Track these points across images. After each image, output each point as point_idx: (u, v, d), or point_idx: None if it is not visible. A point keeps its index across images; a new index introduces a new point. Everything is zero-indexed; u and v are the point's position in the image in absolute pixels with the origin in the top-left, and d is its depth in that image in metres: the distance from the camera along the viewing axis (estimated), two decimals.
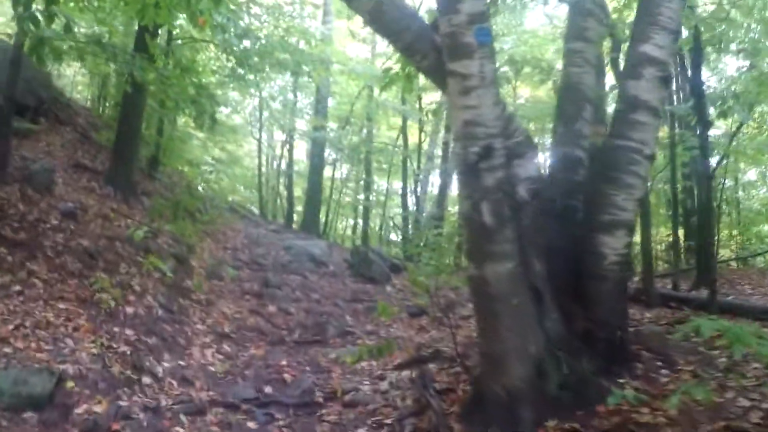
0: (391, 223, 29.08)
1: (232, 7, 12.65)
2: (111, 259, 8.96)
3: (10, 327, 6.19)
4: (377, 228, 30.23)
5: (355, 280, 13.95)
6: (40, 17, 6.54)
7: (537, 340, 5.25)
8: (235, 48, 13.83)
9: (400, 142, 26.50)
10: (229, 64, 15.89)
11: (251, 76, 16.08)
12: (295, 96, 26.61)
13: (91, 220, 10.35)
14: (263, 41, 15.11)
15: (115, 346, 6.79)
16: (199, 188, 20.12)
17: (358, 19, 25.87)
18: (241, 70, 15.58)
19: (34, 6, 6.59)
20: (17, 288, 7.04)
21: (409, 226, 23.86)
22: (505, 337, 5.29)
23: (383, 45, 25.77)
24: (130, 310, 7.79)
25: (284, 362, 8.08)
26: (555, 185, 6.52)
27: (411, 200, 26.29)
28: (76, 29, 9.56)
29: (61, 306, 7.08)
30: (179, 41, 15.15)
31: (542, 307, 5.46)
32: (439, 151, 26.57)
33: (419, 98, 24.06)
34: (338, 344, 9.11)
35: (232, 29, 12.69)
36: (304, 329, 9.81)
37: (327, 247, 17.44)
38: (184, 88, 10.42)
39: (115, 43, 11.94)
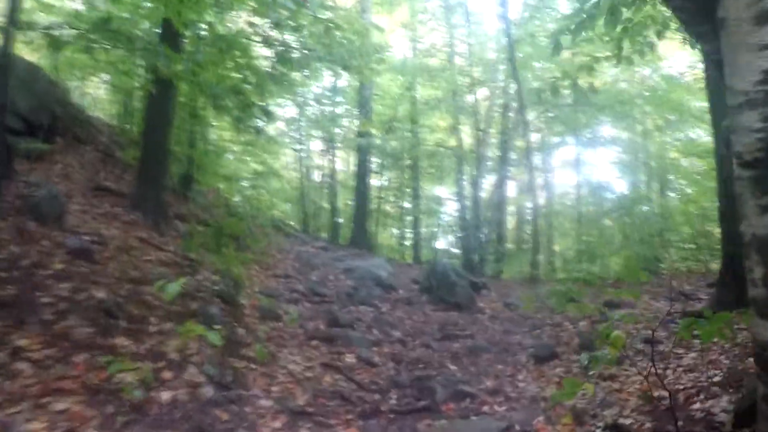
0: (451, 232, 26.26)
1: None
2: (136, 315, 6.35)
3: None
4: (427, 238, 27.62)
5: (435, 307, 11.27)
6: None
7: None
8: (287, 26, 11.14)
9: (450, 145, 23.83)
10: (268, 63, 13.29)
11: (295, 75, 13.39)
12: (335, 102, 23.94)
13: (112, 258, 7.78)
14: (306, 32, 12.46)
15: None
16: (239, 207, 17.52)
17: (401, 13, 23.61)
18: (282, 69, 12.98)
19: None
20: None
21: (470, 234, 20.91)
22: None
23: (429, 39, 23.22)
24: (166, 395, 5.15)
25: None
26: None
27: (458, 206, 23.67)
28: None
29: (59, 405, 4.45)
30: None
31: None
32: (490, 152, 23.94)
33: (474, 92, 21.43)
34: (455, 412, 6.37)
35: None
36: (401, 390, 7.08)
37: (389, 266, 14.82)
38: (222, 76, 7.75)
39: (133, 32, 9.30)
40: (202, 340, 6.55)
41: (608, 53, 7.02)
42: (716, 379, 5.71)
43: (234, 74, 7.85)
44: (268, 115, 8.58)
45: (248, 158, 20.10)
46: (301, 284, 11.76)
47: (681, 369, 6.27)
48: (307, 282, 12.09)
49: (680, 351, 6.79)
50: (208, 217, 13.91)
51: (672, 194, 22.01)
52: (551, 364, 7.42)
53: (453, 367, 7.86)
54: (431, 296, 11.68)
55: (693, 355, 6.66)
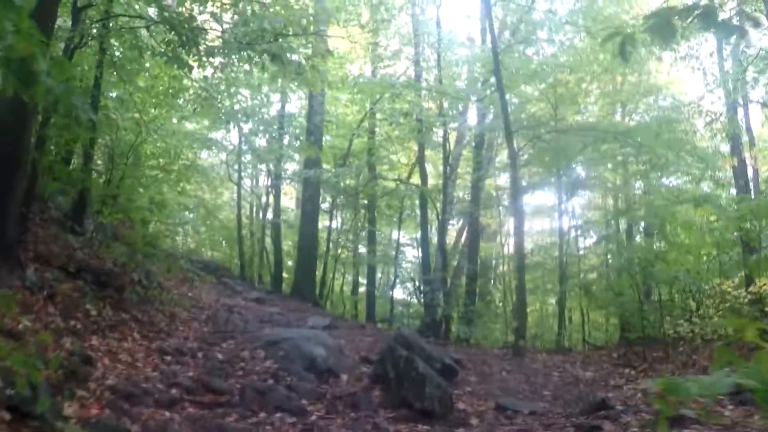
0: (415, 285, 21.80)
1: None
2: None
3: None
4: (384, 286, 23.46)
5: (394, 414, 6.86)
6: None
7: None
8: None
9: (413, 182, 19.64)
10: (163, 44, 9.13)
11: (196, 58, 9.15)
12: (282, 127, 19.53)
13: None
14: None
15: None
16: (148, 246, 13.13)
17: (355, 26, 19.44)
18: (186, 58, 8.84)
19: None
20: None
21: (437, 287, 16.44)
22: None
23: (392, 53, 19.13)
24: None
25: None
26: None
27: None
28: None
29: None
30: None
31: None
32: (461, 193, 19.91)
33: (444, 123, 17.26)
34: None
35: None
36: None
37: (331, 334, 10.55)
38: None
39: None
40: None
41: None
42: None
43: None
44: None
45: (173, 187, 15.75)
46: (192, 369, 7.37)
47: None
48: (205, 363, 7.70)
49: None
50: (88, 258, 9.66)
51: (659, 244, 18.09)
52: None
53: None
54: (388, 392, 7.30)
55: None
